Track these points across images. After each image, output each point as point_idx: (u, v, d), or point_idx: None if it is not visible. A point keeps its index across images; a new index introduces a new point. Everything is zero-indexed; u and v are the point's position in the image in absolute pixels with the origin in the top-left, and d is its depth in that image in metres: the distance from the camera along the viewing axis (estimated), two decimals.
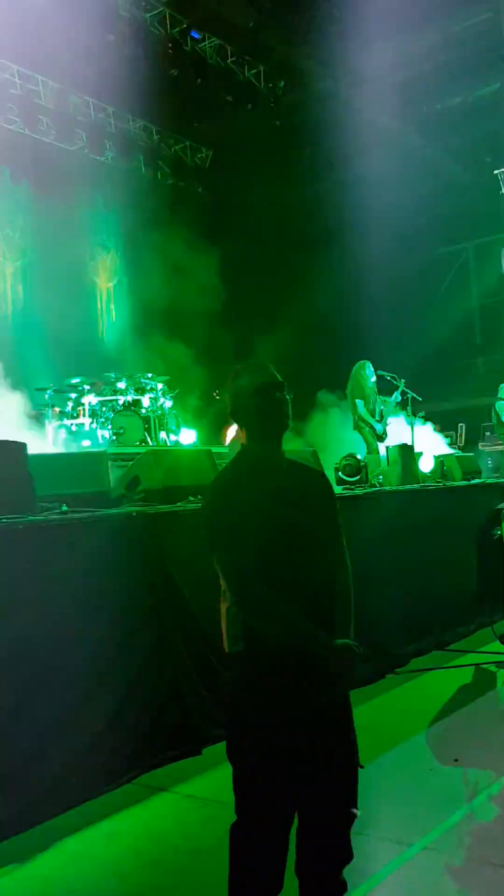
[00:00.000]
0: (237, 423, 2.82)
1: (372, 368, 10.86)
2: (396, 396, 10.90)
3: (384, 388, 11.12)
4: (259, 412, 2.74)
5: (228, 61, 15.02)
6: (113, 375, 11.62)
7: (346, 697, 2.78)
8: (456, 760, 4.59)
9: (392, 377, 11.03)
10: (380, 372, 10.92)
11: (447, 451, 11.62)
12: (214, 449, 8.72)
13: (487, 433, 15.27)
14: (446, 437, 13.78)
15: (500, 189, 17.83)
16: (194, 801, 4.29)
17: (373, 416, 10.73)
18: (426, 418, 13.19)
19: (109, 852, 3.79)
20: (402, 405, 11.02)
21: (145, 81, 15.05)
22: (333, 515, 2.82)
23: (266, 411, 2.74)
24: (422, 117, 17.63)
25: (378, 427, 10.71)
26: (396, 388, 11.04)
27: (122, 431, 10.69)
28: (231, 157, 17.22)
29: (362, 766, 2.75)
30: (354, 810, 2.74)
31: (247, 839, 2.67)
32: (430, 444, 11.81)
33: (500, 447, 14.27)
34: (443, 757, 4.67)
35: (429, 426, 12.82)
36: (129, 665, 4.73)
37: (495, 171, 17.90)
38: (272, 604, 2.58)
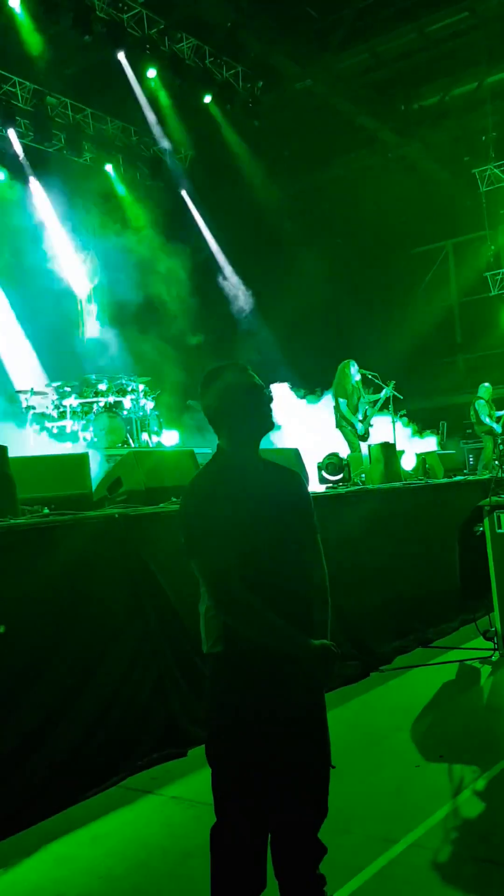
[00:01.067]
0: (218, 423, 2.77)
1: (356, 367, 10.87)
2: (387, 392, 10.90)
3: (369, 387, 11.14)
4: (248, 413, 2.73)
5: (206, 61, 15.01)
6: (93, 377, 11.59)
7: (320, 698, 2.78)
8: (441, 757, 4.60)
9: (374, 376, 11.05)
10: (362, 371, 10.94)
11: (431, 448, 11.67)
12: (197, 450, 8.71)
13: (468, 430, 15.35)
14: (434, 434, 13.83)
15: (479, 187, 17.91)
16: (180, 803, 4.27)
17: (355, 415, 10.74)
18: (410, 419, 13.25)
19: (96, 855, 3.77)
20: (385, 404, 11.05)
21: (124, 82, 15.07)
22: (309, 515, 2.82)
23: (255, 412, 2.74)
24: (399, 117, 17.71)
25: (360, 427, 10.72)
26: (381, 387, 11.06)
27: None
28: (210, 158, 17.21)
29: (334, 766, 2.77)
30: (325, 808, 2.78)
31: (227, 839, 2.68)
32: (413, 443, 11.88)
33: (480, 445, 14.35)
34: (428, 753, 4.68)
35: (409, 431, 12.87)
36: (112, 667, 4.71)
37: (473, 170, 17.99)
38: (250, 605, 2.57)
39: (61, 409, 11.31)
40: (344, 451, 9.93)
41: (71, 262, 15.99)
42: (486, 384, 14.01)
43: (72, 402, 11.24)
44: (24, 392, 11.31)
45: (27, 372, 12.82)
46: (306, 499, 2.85)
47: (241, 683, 2.60)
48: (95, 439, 10.77)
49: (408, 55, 15.72)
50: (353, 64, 15.89)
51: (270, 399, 2.79)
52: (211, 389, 2.77)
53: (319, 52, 15.28)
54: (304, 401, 13.76)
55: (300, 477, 2.97)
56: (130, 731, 4.73)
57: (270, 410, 2.78)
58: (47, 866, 3.71)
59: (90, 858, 3.75)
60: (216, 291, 17.58)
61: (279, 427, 10.26)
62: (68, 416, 11.20)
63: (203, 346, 16.07)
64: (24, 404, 11.14)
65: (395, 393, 11.03)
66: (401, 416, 12.44)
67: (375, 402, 11.24)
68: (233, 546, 2.56)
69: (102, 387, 11.44)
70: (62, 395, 11.33)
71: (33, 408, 11.14)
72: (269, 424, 2.78)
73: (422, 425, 14.44)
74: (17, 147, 14.78)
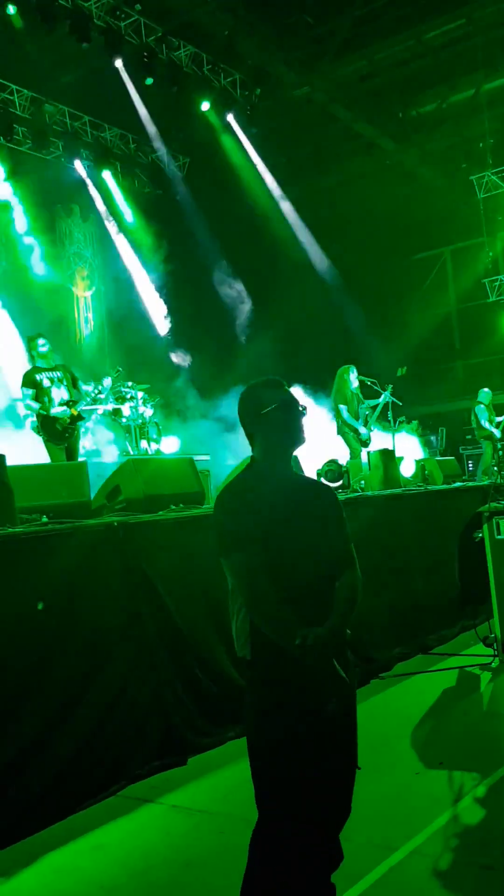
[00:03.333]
0: (252, 436, 2.90)
1: (355, 373, 10.87)
2: (385, 397, 10.91)
3: (368, 393, 11.14)
4: (280, 427, 2.85)
5: (204, 69, 15.05)
6: (92, 384, 11.57)
7: (351, 701, 2.82)
8: (441, 764, 4.59)
9: (373, 382, 11.05)
10: (361, 377, 10.95)
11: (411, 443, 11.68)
12: (197, 458, 8.72)
13: (468, 436, 15.37)
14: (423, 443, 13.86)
15: (477, 194, 17.95)
16: (180, 812, 4.27)
17: (357, 420, 10.74)
18: (418, 424, 13.27)
19: (95, 865, 3.76)
20: (383, 411, 11.05)
21: (121, 90, 15.10)
22: (341, 525, 2.91)
23: (287, 426, 2.86)
24: (396, 124, 17.75)
25: (364, 433, 10.72)
26: (380, 393, 11.06)
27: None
28: (208, 164, 17.25)
29: (359, 768, 2.82)
30: (349, 810, 2.82)
31: (267, 842, 2.72)
32: (411, 449, 11.88)
33: (479, 451, 14.37)
34: (428, 760, 4.68)
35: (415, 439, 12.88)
36: (111, 675, 4.70)
37: (471, 177, 18.03)
38: (275, 605, 2.65)
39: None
40: (342, 458, 9.93)
41: (69, 270, 16.00)
42: (486, 389, 14.03)
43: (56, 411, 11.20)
44: (21, 399, 11.26)
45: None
46: (335, 508, 2.93)
47: (271, 687, 2.69)
48: (94, 447, 10.75)
49: (405, 62, 15.76)
50: (351, 71, 15.92)
51: (303, 414, 2.90)
52: (246, 403, 2.90)
53: (317, 59, 15.32)
54: None
55: (331, 490, 3.13)
56: (130, 739, 4.71)
57: (302, 426, 2.89)
58: (47, 876, 3.70)
59: (90, 868, 3.74)
60: (214, 297, 17.60)
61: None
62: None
63: (202, 353, 16.08)
64: (22, 413, 11.10)
65: (394, 399, 11.04)
66: (400, 422, 12.43)
67: (375, 407, 11.25)
68: (259, 547, 2.66)
69: (101, 395, 11.42)
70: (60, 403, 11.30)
71: (30, 415, 11.10)
72: (300, 439, 2.89)
73: (422, 430, 14.46)
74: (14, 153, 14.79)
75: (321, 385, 12.03)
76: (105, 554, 4.86)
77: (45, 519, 5.16)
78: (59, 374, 9.23)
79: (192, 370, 15.87)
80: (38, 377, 9.11)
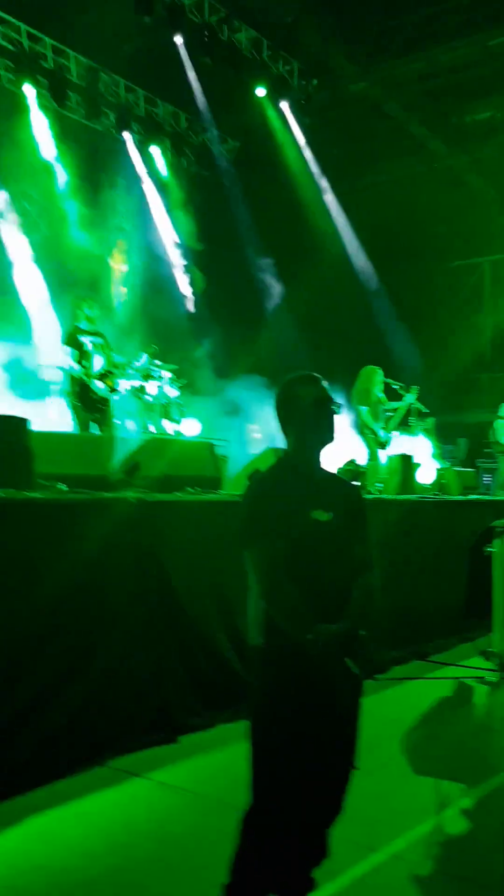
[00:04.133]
0: (286, 429, 2.94)
1: (381, 375, 10.83)
2: (408, 399, 10.87)
3: (392, 397, 11.09)
4: (313, 423, 2.88)
5: (263, 55, 14.98)
6: (123, 359, 11.56)
7: (357, 700, 2.86)
8: (430, 771, 4.61)
9: (400, 386, 11.00)
10: (387, 380, 10.90)
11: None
12: (215, 441, 8.72)
13: (486, 449, 15.26)
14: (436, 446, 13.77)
15: None
16: (166, 789, 4.31)
17: (377, 422, 10.70)
18: (427, 422, 13.18)
19: (78, 832, 3.81)
20: (406, 415, 11.00)
21: (178, 67, 15.06)
22: (364, 527, 2.95)
23: (320, 423, 2.89)
24: (450, 128, 17.61)
25: (383, 435, 10.68)
26: (402, 397, 11.01)
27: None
28: (257, 151, 17.19)
29: (357, 768, 2.85)
30: (341, 808, 2.86)
31: (258, 826, 2.76)
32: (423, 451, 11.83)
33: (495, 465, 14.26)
34: (417, 766, 4.69)
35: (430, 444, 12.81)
36: (111, 648, 4.75)
37: None
38: (292, 599, 2.68)
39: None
40: (361, 459, 9.92)
41: (108, 242, 15.98)
42: None
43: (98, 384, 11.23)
44: (49, 367, 11.29)
45: (55, 345, 12.80)
46: (360, 509, 2.98)
47: (280, 677, 2.72)
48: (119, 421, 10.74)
49: (466, 67, 15.61)
50: (411, 70, 15.79)
51: (336, 412, 2.92)
52: (282, 397, 2.94)
53: (378, 55, 15.21)
54: None
55: (358, 489, 3.18)
56: (125, 711, 4.77)
57: (333, 424, 2.92)
58: (29, 839, 3.75)
59: (72, 835, 3.78)
60: (248, 282, 17.58)
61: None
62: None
63: (228, 336, 16.04)
64: (51, 379, 11.12)
65: (419, 405, 10.98)
66: (422, 430, 12.38)
67: (396, 409, 11.20)
68: (283, 540, 2.70)
69: (130, 371, 11.42)
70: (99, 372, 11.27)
71: (58, 383, 11.11)
72: (331, 437, 2.92)
73: (443, 440, 14.36)
74: (66, 122, 14.77)
75: (342, 382, 11.96)
76: (119, 529, 4.89)
77: (63, 487, 5.19)
78: (101, 340, 9.12)
79: (213, 352, 15.81)
80: (81, 339, 8.95)
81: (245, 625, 2.88)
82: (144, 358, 10.50)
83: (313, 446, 2.92)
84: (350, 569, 2.84)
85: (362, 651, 2.80)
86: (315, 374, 2.98)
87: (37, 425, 5.49)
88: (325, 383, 2.96)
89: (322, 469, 2.98)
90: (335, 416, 2.92)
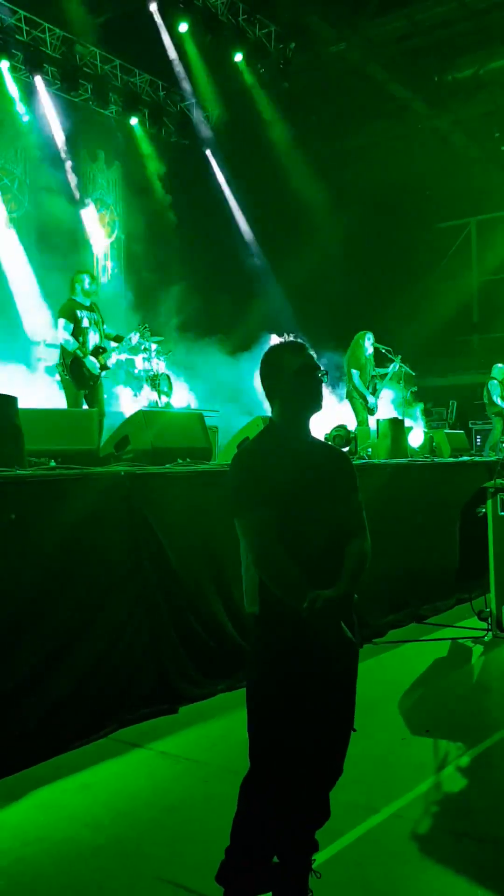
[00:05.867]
0: (272, 398, 2.91)
1: (371, 339, 10.81)
2: (394, 367, 10.88)
3: (379, 360, 11.08)
4: (299, 391, 2.85)
5: (239, 19, 14.73)
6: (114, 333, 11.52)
7: (354, 663, 2.87)
8: (427, 731, 4.66)
9: (387, 350, 11.00)
10: (376, 344, 10.89)
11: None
12: (206, 412, 8.72)
13: (478, 411, 15.29)
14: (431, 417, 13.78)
15: None
16: (167, 759, 4.35)
17: (367, 388, 10.71)
18: (417, 395, 13.18)
19: (81, 803, 3.85)
20: (396, 379, 11.01)
21: (153, 35, 14.82)
22: (353, 490, 2.94)
23: (306, 391, 2.86)
24: (432, 87, 17.39)
25: (371, 401, 10.70)
26: (392, 360, 11.02)
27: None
28: (237, 117, 16.96)
29: (355, 730, 2.87)
30: (341, 770, 2.88)
31: (257, 790, 2.79)
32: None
33: (488, 426, 14.31)
34: (415, 727, 4.75)
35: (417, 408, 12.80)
36: (108, 621, 4.77)
37: (503, 147, 17.71)
38: (285, 566, 2.68)
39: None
40: (351, 424, 9.92)
41: (89, 216, 15.83)
42: (501, 365, 13.93)
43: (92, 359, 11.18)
44: (37, 344, 11.25)
45: (40, 322, 12.72)
46: (350, 475, 2.96)
47: (276, 644, 2.73)
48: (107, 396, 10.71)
49: (446, 24, 15.37)
50: (389, 30, 15.55)
51: (322, 380, 2.89)
52: (267, 366, 2.91)
53: (356, 15, 14.97)
54: None
55: (346, 456, 3.14)
56: (123, 684, 4.80)
57: (321, 392, 2.89)
58: (33, 811, 3.79)
59: (76, 806, 3.83)
60: (232, 249, 17.45)
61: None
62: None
63: (214, 304, 15.95)
64: (36, 356, 11.09)
65: (406, 368, 10.98)
66: (411, 392, 12.37)
67: (384, 375, 11.20)
68: (272, 508, 2.69)
69: (114, 344, 11.38)
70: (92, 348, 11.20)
71: (44, 359, 11.07)
72: (317, 405, 2.89)
73: (432, 403, 14.36)
74: (44, 95, 14.56)
75: (330, 349, 11.91)
76: (111, 502, 4.90)
77: (53, 463, 5.18)
78: (95, 316, 9.01)
79: (201, 323, 15.73)
80: (78, 313, 8.82)
81: (241, 594, 2.89)
82: (136, 336, 10.43)
83: (300, 414, 2.89)
84: (341, 534, 2.84)
85: (356, 615, 2.81)
86: (300, 342, 2.95)
87: (25, 402, 5.47)
88: (310, 351, 2.93)
89: (310, 436, 2.96)
90: (321, 384, 2.89)
